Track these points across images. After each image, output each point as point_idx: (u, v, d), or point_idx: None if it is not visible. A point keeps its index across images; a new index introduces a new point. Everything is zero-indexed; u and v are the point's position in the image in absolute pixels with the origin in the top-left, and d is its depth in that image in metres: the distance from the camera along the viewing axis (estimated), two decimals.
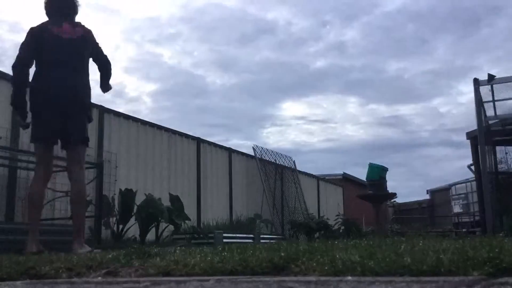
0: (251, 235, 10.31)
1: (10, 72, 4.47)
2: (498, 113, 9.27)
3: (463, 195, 21.36)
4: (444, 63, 42.98)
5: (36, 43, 4.33)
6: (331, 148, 43.78)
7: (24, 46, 4.32)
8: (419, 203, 27.31)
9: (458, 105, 43.13)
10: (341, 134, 43.51)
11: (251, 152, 13.92)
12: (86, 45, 4.50)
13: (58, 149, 4.84)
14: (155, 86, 38.80)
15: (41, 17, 4.51)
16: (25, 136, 7.27)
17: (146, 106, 38.28)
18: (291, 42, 38.69)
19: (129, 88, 37.14)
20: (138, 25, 33.28)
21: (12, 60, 4.29)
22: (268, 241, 9.09)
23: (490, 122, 9.54)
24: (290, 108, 42.48)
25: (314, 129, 42.71)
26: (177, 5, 34.86)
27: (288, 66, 39.18)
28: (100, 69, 4.67)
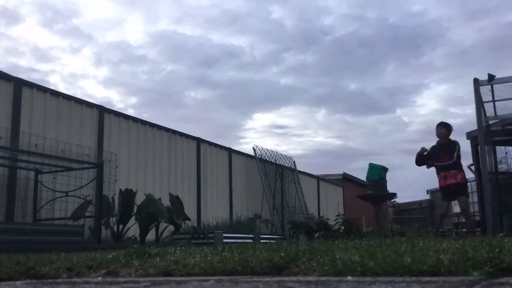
0: (251, 235, 10.31)
1: (11, 73, 4.48)
2: (498, 113, 9.26)
3: None
4: (395, 82, 48.37)
5: None
6: (302, 155, 46.35)
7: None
8: (419, 203, 27.30)
9: (419, 116, 49.45)
10: (313, 142, 47.51)
11: (251, 152, 13.93)
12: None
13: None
14: (136, 99, 43.35)
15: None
16: (25, 136, 7.28)
17: None
18: (255, 64, 43.13)
19: (115, 101, 39.78)
20: (107, 48, 37.52)
21: None
22: (268, 241, 9.08)
23: (490, 122, 9.53)
24: (261, 118, 46.87)
25: (283, 138, 46.12)
26: (140, 32, 39.21)
27: (257, 83, 43.76)
28: None
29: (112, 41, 36.79)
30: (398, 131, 52.39)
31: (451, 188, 7.88)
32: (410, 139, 50.22)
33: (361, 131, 50.76)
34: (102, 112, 9.02)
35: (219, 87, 43.99)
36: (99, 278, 2.25)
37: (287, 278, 1.83)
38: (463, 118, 47.54)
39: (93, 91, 39.01)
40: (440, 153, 8.00)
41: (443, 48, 44.34)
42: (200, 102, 42.88)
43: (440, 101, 49.08)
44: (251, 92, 44.68)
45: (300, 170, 16.58)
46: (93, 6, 33.54)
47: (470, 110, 47.63)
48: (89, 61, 37.20)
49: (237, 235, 9.77)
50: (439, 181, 8.06)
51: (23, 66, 33.21)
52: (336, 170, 20.19)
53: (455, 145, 8.00)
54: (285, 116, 45.85)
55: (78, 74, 37.52)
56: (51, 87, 8.17)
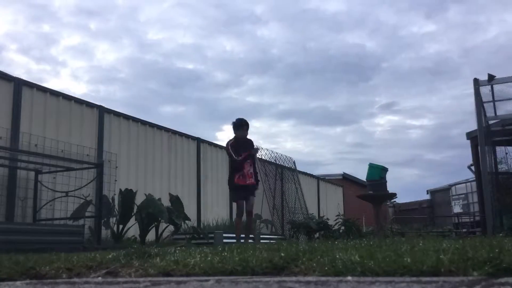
0: (251, 235, 10.29)
1: (12, 73, 4.50)
2: (498, 113, 9.25)
3: (463, 195, 21.35)
4: (350, 100, 52.18)
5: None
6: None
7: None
8: (419, 203, 27.30)
9: (380, 125, 53.17)
10: (283, 150, 51.51)
11: None
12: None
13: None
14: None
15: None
16: (25, 136, 7.28)
17: None
18: (219, 85, 46.52)
19: None
20: (80, 71, 40.32)
21: None
22: (268, 241, 9.08)
23: (490, 122, 9.53)
24: (231, 130, 47.65)
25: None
26: (107, 59, 42.21)
27: (225, 100, 47.20)
28: None
29: (84, 65, 40.35)
30: (364, 139, 55.92)
31: (248, 188, 7.59)
32: (374, 148, 53.57)
33: (328, 140, 54.34)
34: (102, 112, 9.02)
35: (189, 103, 48.08)
36: (99, 278, 2.25)
37: (287, 278, 1.83)
38: (420, 129, 52.30)
39: None
40: (243, 148, 7.63)
41: (385, 73, 49.78)
42: (174, 115, 46.22)
43: (396, 115, 53.43)
44: (220, 107, 48.61)
45: (300, 170, 16.58)
46: (64, 36, 37.10)
47: (427, 122, 52.41)
48: (68, 82, 40.80)
49: None
50: (239, 179, 7.53)
51: None
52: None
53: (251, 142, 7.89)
54: (254, 127, 49.24)
55: (63, 91, 40.03)
56: None
